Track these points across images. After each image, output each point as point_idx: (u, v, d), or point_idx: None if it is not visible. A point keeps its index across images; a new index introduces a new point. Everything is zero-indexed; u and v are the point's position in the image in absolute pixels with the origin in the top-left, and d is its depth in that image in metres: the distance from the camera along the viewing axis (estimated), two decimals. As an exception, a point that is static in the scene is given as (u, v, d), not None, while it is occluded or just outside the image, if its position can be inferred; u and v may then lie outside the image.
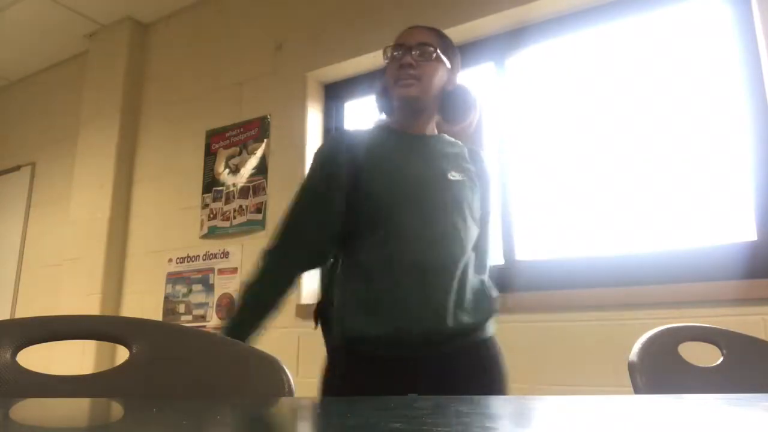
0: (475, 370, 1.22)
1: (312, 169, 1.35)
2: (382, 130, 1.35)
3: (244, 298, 1.30)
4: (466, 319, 1.21)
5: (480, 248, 1.32)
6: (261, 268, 1.32)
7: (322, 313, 1.32)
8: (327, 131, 2.72)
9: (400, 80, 1.27)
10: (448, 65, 1.33)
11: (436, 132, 1.37)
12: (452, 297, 1.20)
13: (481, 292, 1.27)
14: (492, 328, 1.28)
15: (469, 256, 1.27)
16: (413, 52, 1.28)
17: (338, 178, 1.28)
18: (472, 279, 1.26)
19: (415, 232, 1.21)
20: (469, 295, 1.23)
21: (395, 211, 1.22)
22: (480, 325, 1.24)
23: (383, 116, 1.40)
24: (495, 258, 1.40)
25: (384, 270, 1.20)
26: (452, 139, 1.39)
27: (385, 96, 1.37)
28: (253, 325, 1.27)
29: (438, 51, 1.30)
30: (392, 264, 1.20)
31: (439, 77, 1.31)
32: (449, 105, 1.35)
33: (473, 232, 1.28)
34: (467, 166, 1.34)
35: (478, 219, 1.32)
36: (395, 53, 1.30)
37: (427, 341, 1.18)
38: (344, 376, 1.22)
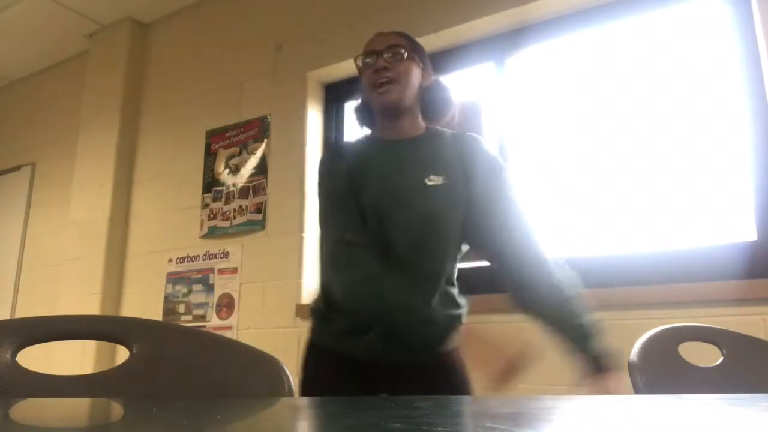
0: (433, 383, 1.26)
1: (319, 180, 1.37)
2: (368, 139, 1.38)
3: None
4: (412, 339, 1.24)
5: (491, 237, 1.27)
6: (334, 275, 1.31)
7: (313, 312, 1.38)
8: (327, 131, 2.72)
9: (377, 84, 1.29)
10: (420, 64, 1.34)
11: (421, 129, 1.36)
12: (403, 317, 1.22)
13: (449, 304, 1.29)
14: (454, 341, 1.30)
15: (446, 265, 1.28)
16: (384, 56, 1.29)
17: (343, 182, 1.31)
18: (444, 289, 1.28)
19: (390, 243, 1.24)
20: (436, 306, 1.26)
21: (378, 221, 1.25)
22: (440, 340, 1.27)
23: (364, 128, 1.42)
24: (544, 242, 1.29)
25: (357, 279, 1.24)
26: (439, 131, 1.37)
27: (364, 108, 1.39)
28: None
29: (408, 50, 1.31)
30: (352, 268, 1.25)
31: (415, 75, 1.32)
32: (428, 102, 1.36)
33: (445, 238, 1.28)
34: (454, 159, 1.31)
35: (471, 215, 1.29)
36: (367, 60, 1.32)
37: (386, 350, 1.23)
38: (307, 368, 1.30)
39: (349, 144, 1.40)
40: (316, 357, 1.31)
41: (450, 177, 1.27)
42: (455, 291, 1.32)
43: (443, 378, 1.27)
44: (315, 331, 1.33)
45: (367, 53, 1.33)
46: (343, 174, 1.30)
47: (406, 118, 1.33)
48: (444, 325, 1.28)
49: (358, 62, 1.34)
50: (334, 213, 1.29)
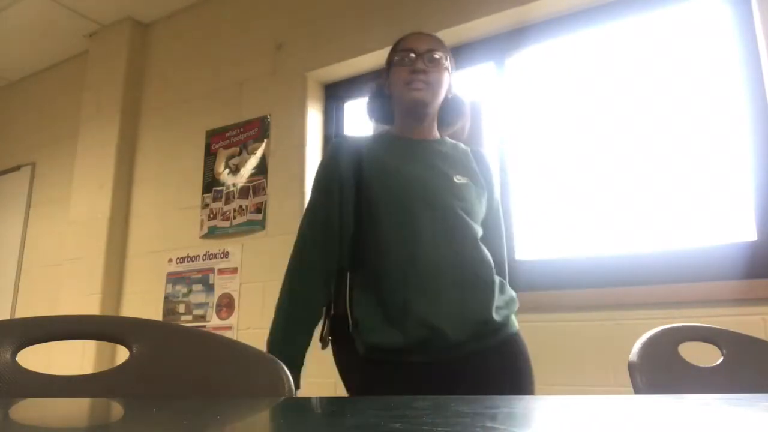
0: (504, 367, 1.24)
1: (315, 182, 1.34)
2: (384, 136, 1.36)
3: (281, 322, 1.30)
4: (496, 316, 1.23)
5: (493, 248, 1.32)
6: (285, 287, 1.33)
7: (333, 330, 1.29)
8: (327, 131, 2.72)
9: (412, 83, 1.27)
10: (450, 74, 1.35)
11: (438, 136, 1.38)
12: (482, 295, 1.23)
13: (502, 288, 1.30)
14: (516, 323, 1.31)
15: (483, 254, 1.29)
16: (425, 57, 1.29)
17: (340, 190, 1.28)
18: (492, 281, 1.30)
19: (431, 236, 1.21)
20: (496, 292, 1.26)
21: (409, 216, 1.22)
22: (507, 321, 1.27)
23: (375, 123, 1.42)
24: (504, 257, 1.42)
25: (406, 275, 1.19)
26: (454, 142, 1.40)
27: (381, 101, 1.37)
28: (297, 343, 1.26)
29: (446, 59, 1.32)
30: (416, 268, 1.19)
31: (446, 85, 1.33)
32: (446, 111, 1.38)
33: (478, 233, 1.30)
34: (472, 167, 1.35)
35: (481, 221, 1.33)
36: (405, 58, 1.30)
37: (466, 340, 1.19)
38: (373, 386, 1.19)
39: (358, 138, 1.36)
40: (378, 371, 1.19)
41: (474, 182, 1.32)
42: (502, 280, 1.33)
43: (515, 359, 1.25)
44: (364, 348, 1.21)
45: (405, 50, 1.31)
46: (345, 178, 1.27)
47: (427, 122, 1.34)
48: (505, 310, 1.27)
49: (394, 57, 1.32)
50: (321, 226, 1.28)
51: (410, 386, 1.15)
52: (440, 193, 1.25)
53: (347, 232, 1.27)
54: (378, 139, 1.36)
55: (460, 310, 1.18)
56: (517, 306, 1.31)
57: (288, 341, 1.23)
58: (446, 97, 1.36)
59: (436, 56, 1.29)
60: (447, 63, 1.32)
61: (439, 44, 1.33)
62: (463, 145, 1.40)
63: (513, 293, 1.33)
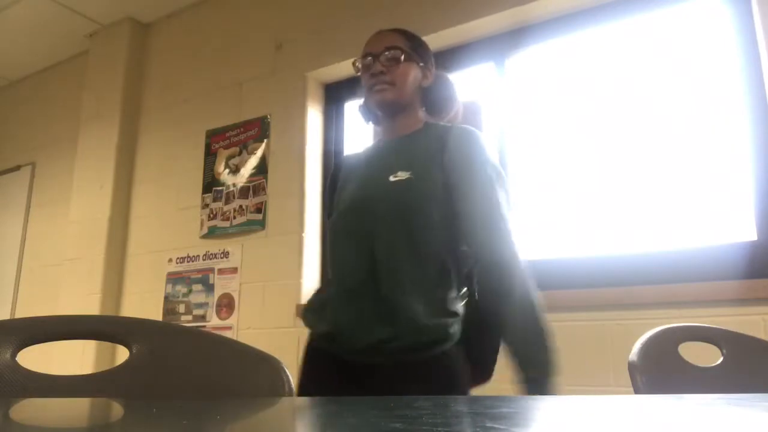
0: (419, 385, 1.13)
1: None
2: (374, 142, 1.41)
3: None
4: (385, 334, 1.14)
5: (476, 242, 1.18)
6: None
7: None
8: (327, 131, 2.72)
9: (373, 87, 1.29)
10: (420, 62, 1.33)
11: (418, 126, 1.33)
12: (367, 308, 1.17)
13: (437, 311, 1.16)
14: (437, 347, 1.16)
15: (426, 267, 1.18)
16: (381, 58, 1.29)
17: (330, 192, 1.41)
18: (413, 289, 1.16)
19: (338, 242, 1.28)
20: (396, 310, 1.15)
21: (333, 223, 1.31)
22: (404, 343, 1.14)
23: (370, 125, 1.44)
24: (502, 251, 1.16)
25: (327, 276, 1.32)
26: (435, 124, 1.33)
27: (367, 107, 1.40)
28: None
29: (406, 51, 1.31)
30: (329, 271, 1.30)
31: (413, 77, 1.31)
32: (430, 99, 1.36)
33: (427, 236, 1.19)
34: (434, 153, 1.24)
35: (443, 211, 1.21)
36: (365, 62, 1.32)
37: (348, 351, 1.20)
38: (303, 367, 1.29)
39: (356, 152, 1.44)
40: (309, 357, 1.29)
41: (420, 171, 1.21)
42: (450, 296, 1.19)
43: (430, 381, 1.14)
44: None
45: (364, 55, 1.33)
46: (331, 185, 1.39)
47: (402, 117, 1.33)
48: (429, 332, 1.15)
49: (357, 64, 1.34)
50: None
51: (330, 374, 1.23)
52: (371, 196, 1.26)
53: None
54: (366, 147, 1.41)
55: (338, 326, 1.22)
56: (446, 331, 1.16)
57: None
58: (425, 86, 1.34)
59: (393, 53, 1.29)
60: (410, 53, 1.31)
61: (399, 38, 1.32)
62: (443, 127, 1.30)
63: (451, 316, 1.17)
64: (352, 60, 1.37)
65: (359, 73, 1.35)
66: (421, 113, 1.36)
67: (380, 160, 1.31)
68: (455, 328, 1.18)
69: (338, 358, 1.20)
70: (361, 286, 1.19)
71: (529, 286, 1.13)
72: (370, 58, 1.31)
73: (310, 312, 1.30)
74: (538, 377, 1.09)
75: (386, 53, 1.29)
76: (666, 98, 1.97)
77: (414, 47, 1.33)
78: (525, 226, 2.12)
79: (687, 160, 1.90)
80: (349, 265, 1.24)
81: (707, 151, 1.87)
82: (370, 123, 1.43)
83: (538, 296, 1.14)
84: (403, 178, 1.21)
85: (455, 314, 1.19)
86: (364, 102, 1.40)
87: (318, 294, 1.36)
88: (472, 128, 1.27)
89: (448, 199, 1.20)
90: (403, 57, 1.30)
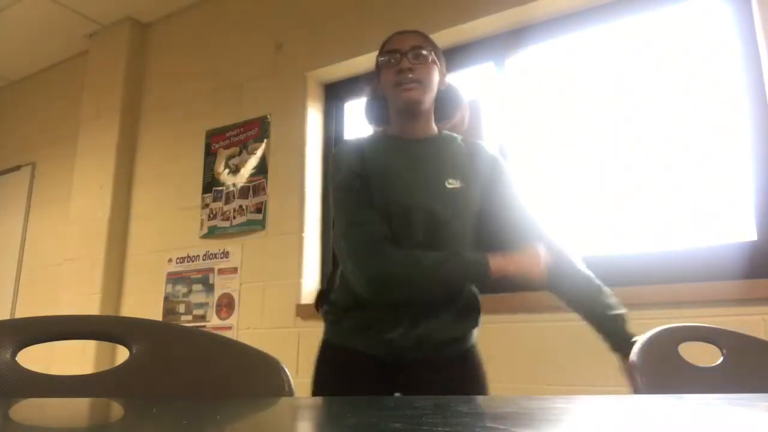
0: (450, 382, 1.27)
1: (336, 170, 1.32)
2: (383, 136, 1.37)
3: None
4: (440, 333, 1.26)
5: (524, 228, 1.31)
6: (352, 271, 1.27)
7: (324, 300, 1.38)
8: (327, 131, 2.72)
9: (401, 84, 1.28)
10: (439, 66, 1.34)
11: (434, 131, 1.37)
12: (425, 310, 1.25)
13: (470, 302, 1.31)
14: (473, 338, 1.33)
15: None
16: (409, 56, 1.29)
17: (358, 177, 1.30)
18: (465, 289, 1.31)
19: (404, 242, 1.24)
20: (454, 307, 1.28)
21: (390, 220, 1.24)
22: (459, 338, 1.30)
23: (373, 125, 1.42)
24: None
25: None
26: (451, 135, 1.38)
27: (377, 104, 1.39)
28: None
29: (431, 53, 1.31)
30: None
31: (435, 78, 1.32)
32: (441, 104, 1.37)
33: (467, 239, 1.30)
34: (468, 164, 1.33)
35: (474, 222, 1.32)
36: (391, 59, 1.31)
37: (411, 347, 1.25)
38: (322, 367, 1.31)
39: (365, 139, 1.37)
40: (331, 356, 1.30)
41: (466, 181, 1.30)
42: (474, 290, 1.34)
43: (463, 375, 1.29)
44: (329, 329, 1.33)
45: (390, 51, 1.31)
46: (359, 169, 1.28)
47: (422, 120, 1.33)
48: (467, 322, 1.31)
49: (380, 59, 1.33)
50: (357, 207, 1.25)
51: (360, 374, 1.28)
52: (429, 199, 1.25)
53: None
54: (377, 138, 1.37)
55: (391, 331, 1.26)
56: (476, 321, 1.34)
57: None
58: (439, 91, 1.35)
59: (422, 52, 1.29)
60: (434, 57, 1.32)
61: (424, 40, 1.33)
62: (460, 139, 1.38)
63: (479, 306, 1.34)
64: (377, 55, 1.35)
65: (381, 70, 1.33)
66: (433, 119, 1.38)
67: (422, 162, 1.30)
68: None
69: (376, 358, 1.26)
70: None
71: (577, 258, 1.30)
72: (397, 55, 1.30)
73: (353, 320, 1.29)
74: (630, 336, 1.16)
75: (414, 51, 1.29)
76: (666, 98, 1.97)
77: (435, 51, 1.34)
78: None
79: (687, 160, 1.90)
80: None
81: (707, 151, 1.87)
82: (373, 124, 1.42)
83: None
84: (457, 186, 1.28)
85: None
86: (378, 99, 1.38)
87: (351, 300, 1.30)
88: (483, 143, 1.40)
89: (479, 208, 1.32)
90: (430, 58, 1.31)
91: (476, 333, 1.34)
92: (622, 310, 1.22)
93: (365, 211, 1.23)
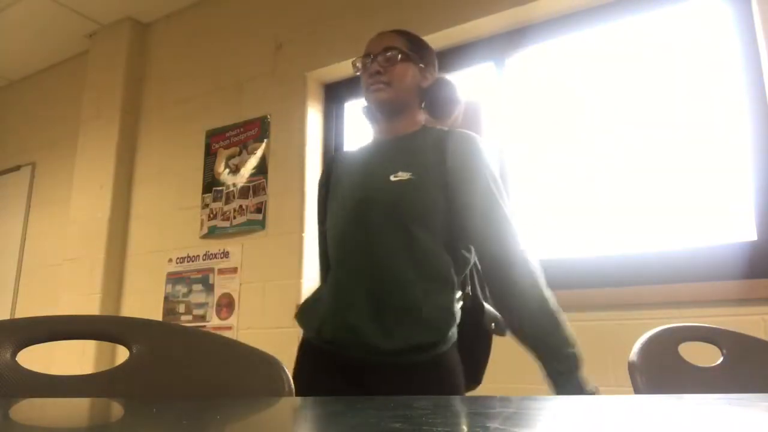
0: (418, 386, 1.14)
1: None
2: (369, 141, 1.40)
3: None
4: (384, 336, 1.14)
5: (480, 240, 1.19)
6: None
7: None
8: (327, 131, 2.72)
9: (371, 87, 1.31)
10: (420, 64, 1.33)
11: (415, 128, 1.33)
12: (365, 311, 1.16)
13: (420, 308, 1.15)
14: (435, 349, 1.16)
15: (411, 264, 1.18)
16: (379, 58, 1.30)
17: (323, 190, 1.42)
18: (412, 291, 1.16)
19: (336, 241, 1.27)
20: (393, 311, 1.15)
21: (330, 221, 1.32)
22: (402, 345, 1.14)
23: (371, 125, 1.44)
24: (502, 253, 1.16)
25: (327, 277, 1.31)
26: (431, 128, 1.33)
27: (368, 108, 1.41)
28: None
29: (404, 52, 1.31)
30: (324, 271, 1.35)
31: (411, 77, 1.31)
32: (431, 101, 1.36)
33: (427, 238, 1.19)
34: (428, 156, 1.24)
35: (433, 212, 1.21)
36: (364, 62, 1.33)
37: (341, 348, 1.20)
38: (298, 363, 1.30)
39: (345, 151, 1.46)
40: (304, 353, 1.30)
41: (420, 173, 1.21)
42: (448, 298, 1.19)
43: (428, 383, 1.15)
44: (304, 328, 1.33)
45: (364, 55, 1.34)
46: (324, 182, 1.40)
47: (401, 118, 1.33)
48: (428, 334, 1.15)
49: (357, 63, 1.35)
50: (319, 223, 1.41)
51: (326, 372, 1.24)
52: (370, 194, 1.23)
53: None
54: (362, 146, 1.41)
55: (330, 325, 1.22)
56: (446, 330, 1.17)
57: None
58: (424, 87, 1.34)
59: (391, 53, 1.30)
60: (408, 54, 1.31)
61: (398, 39, 1.33)
62: (441, 131, 1.29)
63: (450, 316, 1.18)
64: (352, 60, 1.38)
65: (358, 73, 1.36)
66: (421, 115, 1.36)
67: (378, 159, 1.30)
68: (453, 331, 1.19)
69: (337, 357, 1.20)
70: (358, 286, 1.19)
71: (539, 279, 1.14)
72: (368, 58, 1.33)
73: (307, 312, 1.30)
74: (563, 369, 1.08)
75: (384, 53, 1.31)
76: (666, 98, 1.97)
77: (414, 48, 1.34)
78: (526, 227, 2.12)
79: (687, 160, 1.90)
80: (347, 265, 1.24)
81: (707, 151, 1.87)
82: (372, 123, 1.43)
83: (548, 290, 1.14)
84: (404, 178, 1.21)
85: (453, 317, 1.19)
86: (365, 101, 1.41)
87: (315, 294, 1.34)
88: (472, 133, 1.28)
89: (448, 203, 1.21)
90: (400, 57, 1.30)
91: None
92: (574, 349, 1.09)
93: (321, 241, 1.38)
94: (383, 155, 1.30)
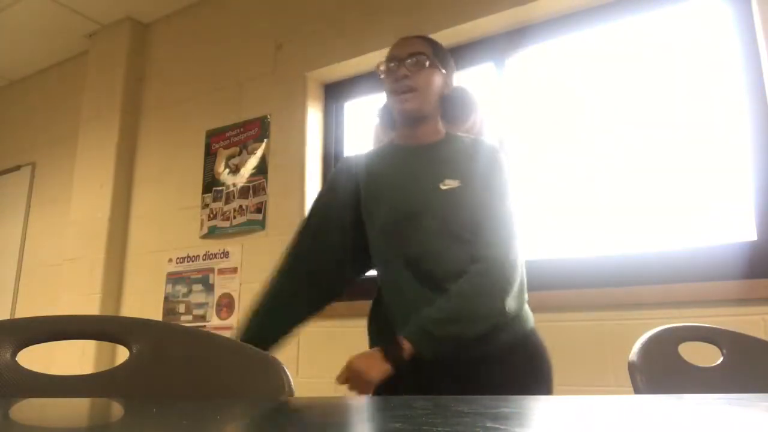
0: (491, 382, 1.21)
1: (326, 186, 1.44)
2: (387, 146, 1.39)
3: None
4: (449, 331, 1.16)
5: (479, 242, 1.23)
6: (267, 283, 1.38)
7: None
8: (327, 131, 2.72)
9: (397, 93, 1.29)
10: (443, 70, 1.34)
11: (440, 135, 1.35)
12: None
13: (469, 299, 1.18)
14: (504, 335, 1.23)
15: (466, 266, 1.21)
16: (406, 63, 1.29)
17: (338, 201, 1.37)
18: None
19: (406, 249, 1.25)
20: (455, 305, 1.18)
21: (386, 229, 1.28)
22: (475, 338, 1.17)
23: (385, 129, 1.43)
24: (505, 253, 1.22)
25: (385, 288, 1.31)
26: (457, 135, 1.36)
27: (388, 112, 1.40)
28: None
29: (430, 58, 1.31)
30: (387, 283, 1.30)
31: (436, 84, 1.32)
32: (449, 108, 1.37)
33: (460, 241, 1.23)
34: (468, 164, 1.29)
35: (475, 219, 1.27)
36: (390, 66, 1.32)
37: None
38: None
39: (363, 155, 1.41)
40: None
41: (465, 180, 1.26)
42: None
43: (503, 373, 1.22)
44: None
45: (389, 59, 1.33)
46: (351, 188, 1.35)
47: (425, 125, 1.33)
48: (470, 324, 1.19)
49: (381, 67, 1.34)
50: (309, 222, 1.40)
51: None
52: (423, 203, 1.25)
53: (339, 239, 1.37)
54: (382, 150, 1.39)
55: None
56: (490, 318, 1.20)
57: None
58: (445, 95, 1.35)
59: (418, 59, 1.30)
60: (434, 60, 1.31)
61: (424, 44, 1.33)
62: (469, 140, 1.34)
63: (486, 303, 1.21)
64: (377, 63, 1.36)
65: (382, 77, 1.35)
66: (440, 122, 1.37)
67: (418, 167, 1.30)
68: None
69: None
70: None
71: (507, 293, 1.19)
72: (394, 62, 1.31)
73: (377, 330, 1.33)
74: (406, 333, 1.14)
75: (411, 59, 1.30)
76: (666, 98, 1.97)
77: (437, 54, 1.34)
78: (525, 227, 2.11)
79: (687, 160, 1.90)
80: (410, 274, 1.25)
81: (707, 151, 1.87)
82: (389, 129, 1.42)
83: (506, 305, 1.19)
84: (454, 186, 1.25)
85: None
86: (384, 107, 1.41)
87: (376, 307, 1.35)
88: (497, 146, 1.34)
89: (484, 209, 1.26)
90: (427, 63, 1.30)
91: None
92: (433, 334, 1.15)
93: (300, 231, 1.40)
94: (423, 163, 1.30)
